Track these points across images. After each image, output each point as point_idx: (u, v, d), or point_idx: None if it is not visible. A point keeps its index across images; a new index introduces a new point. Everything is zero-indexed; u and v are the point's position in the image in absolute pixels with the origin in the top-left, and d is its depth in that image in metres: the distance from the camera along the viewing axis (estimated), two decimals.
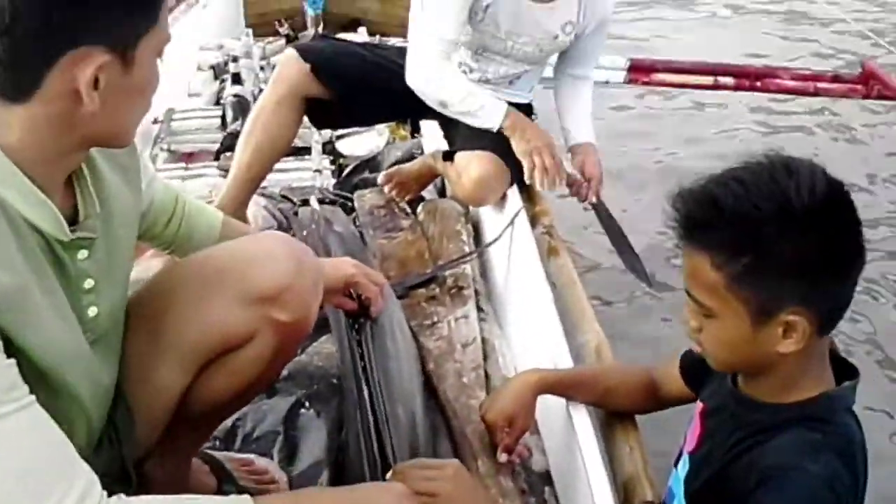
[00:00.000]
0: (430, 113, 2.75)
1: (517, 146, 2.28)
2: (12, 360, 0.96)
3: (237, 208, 2.36)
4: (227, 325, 1.29)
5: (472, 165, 2.37)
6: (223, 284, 1.29)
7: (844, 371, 1.16)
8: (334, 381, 1.81)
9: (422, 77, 2.35)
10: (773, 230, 1.03)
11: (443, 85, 2.34)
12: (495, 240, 2.32)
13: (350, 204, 2.74)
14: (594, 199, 2.45)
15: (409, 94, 2.49)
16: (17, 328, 0.97)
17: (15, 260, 0.98)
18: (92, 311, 1.14)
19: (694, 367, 1.36)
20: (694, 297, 1.12)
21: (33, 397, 0.97)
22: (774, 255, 1.04)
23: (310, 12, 4.07)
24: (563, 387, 1.56)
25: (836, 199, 1.05)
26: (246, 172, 2.45)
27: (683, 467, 1.29)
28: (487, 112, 2.30)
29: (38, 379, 1.01)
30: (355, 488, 1.26)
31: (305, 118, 2.56)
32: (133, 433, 1.28)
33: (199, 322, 1.28)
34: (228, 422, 1.67)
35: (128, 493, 1.06)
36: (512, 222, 2.28)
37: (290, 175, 3.01)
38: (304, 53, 2.47)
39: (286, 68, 2.46)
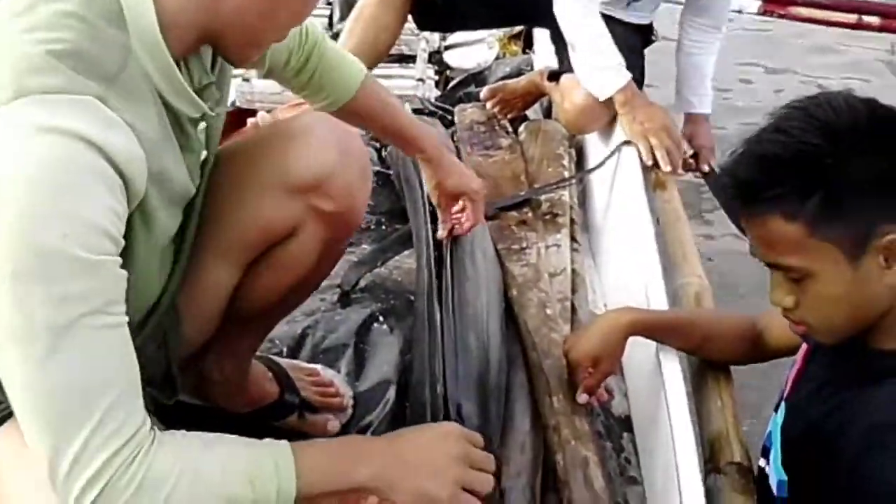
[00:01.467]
0: (542, 21, 2.58)
1: (629, 127, 2.10)
2: (125, 273, 0.89)
3: None
4: (268, 217, 1.21)
5: (578, 90, 2.23)
6: (263, 173, 1.21)
7: None
8: (412, 297, 1.73)
9: (566, 12, 2.18)
10: (830, 157, 0.98)
11: (581, 29, 2.16)
12: (597, 167, 2.18)
13: (450, 118, 2.63)
14: (706, 169, 2.32)
15: None
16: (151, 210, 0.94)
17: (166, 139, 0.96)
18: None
19: None
20: (781, 264, 1.04)
21: (125, 319, 0.90)
22: (842, 180, 0.98)
23: None
24: (657, 330, 1.43)
25: (876, 110, 1.01)
26: None
27: (781, 414, 1.20)
28: (606, 77, 2.13)
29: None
30: (403, 435, 1.14)
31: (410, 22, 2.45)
32: (178, 333, 1.22)
33: (240, 215, 1.21)
34: (298, 328, 1.62)
35: (172, 398, 0.99)
36: (618, 149, 2.12)
37: (392, 82, 2.88)
38: None
39: None
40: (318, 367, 1.55)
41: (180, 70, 0.98)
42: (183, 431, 0.95)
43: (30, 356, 0.83)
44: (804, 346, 1.22)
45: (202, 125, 1.05)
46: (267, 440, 0.99)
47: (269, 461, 0.96)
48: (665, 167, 2.03)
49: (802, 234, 0.99)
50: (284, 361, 1.52)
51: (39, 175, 0.80)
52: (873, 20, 3.64)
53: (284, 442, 0.99)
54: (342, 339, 1.62)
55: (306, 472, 0.96)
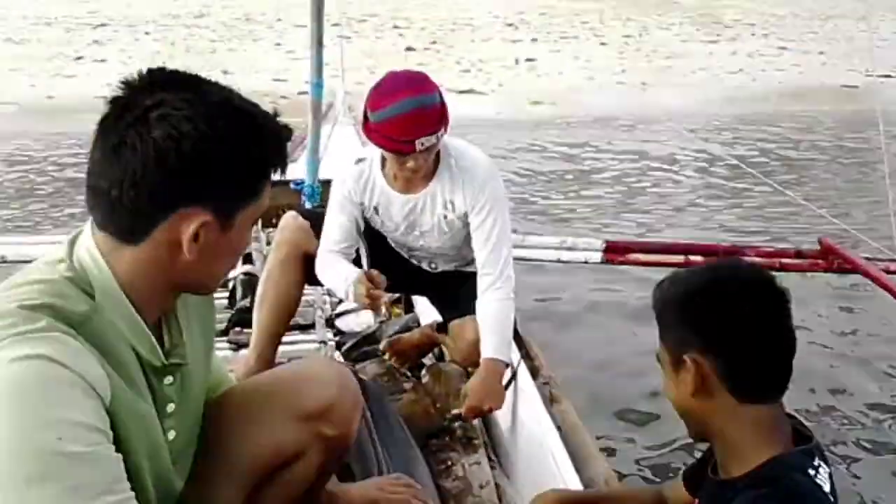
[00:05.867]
0: (420, 289, 2.99)
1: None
2: (120, 455, 1.10)
3: (264, 366, 2.53)
4: (280, 442, 1.44)
5: (465, 330, 2.60)
6: (274, 407, 1.44)
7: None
8: None
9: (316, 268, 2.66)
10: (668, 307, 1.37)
11: (322, 273, 2.65)
12: (508, 383, 2.46)
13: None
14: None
15: (403, 268, 2.73)
16: (125, 431, 1.12)
17: (135, 378, 1.16)
18: (171, 434, 1.29)
19: (692, 472, 1.54)
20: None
21: (132, 493, 1.10)
22: (679, 314, 1.35)
23: (307, 205, 4.37)
24: None
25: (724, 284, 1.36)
26: (266, 331, 2.65)
27: None
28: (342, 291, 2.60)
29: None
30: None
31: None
32: None
33: (253, 443, 1.43)
34: None
35: None
36: (514, 375, 2.45)
37: (297, 347, 3.17)
38: (303, 213, 2.78)
39: (286, 229, 2.74)
40: None
41: (160, 328, 1.23)
42: None
43: None
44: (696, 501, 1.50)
45: (169, 378, 1.27)
46: None
47: None
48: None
49: (659, 337, 1.36)
50: None
51: (22, 396, 1.02)
52: (697, 259, 4.23)
53: None
54: None
55: None
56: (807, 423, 1.42)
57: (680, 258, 4.27)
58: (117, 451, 1.10)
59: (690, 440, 1.45)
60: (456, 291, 2.73)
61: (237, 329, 3.26)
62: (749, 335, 1.30)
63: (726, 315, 1.31)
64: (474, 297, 2.56)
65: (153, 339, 1.21)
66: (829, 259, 4.12)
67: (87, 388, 1.06)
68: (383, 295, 2.44)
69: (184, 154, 1.11)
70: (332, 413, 1.45)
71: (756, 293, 1.32)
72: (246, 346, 2.98)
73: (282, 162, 1.23)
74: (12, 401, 1.01)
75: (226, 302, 3.56)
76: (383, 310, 2.61)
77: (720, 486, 1.36)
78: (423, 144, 2.34)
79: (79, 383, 1.05)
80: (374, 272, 2.47)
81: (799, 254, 4.27)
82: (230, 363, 2.98)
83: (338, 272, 2.62)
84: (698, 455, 1.53)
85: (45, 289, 1.12)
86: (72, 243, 1.19)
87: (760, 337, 1.31)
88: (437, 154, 2.51)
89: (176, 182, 1.12)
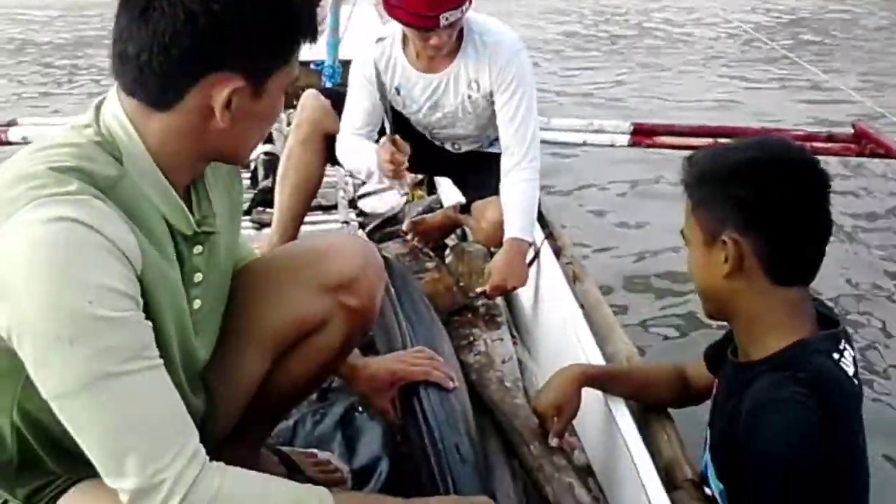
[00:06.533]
0: (443, 170, 2.95)
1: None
2: (150, 322, 1.09)
3: None
4: (304, 311, 1.43)
5: (488, 210, 2.57)
6: (299, 276, 1.43)
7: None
8: None
9: (338, 152, 2.62)
10: (707, 183, 1.32)
11: (344, 154, 2.62)
12: (531, 262, 2.46)
13: None
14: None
15: (426, 149, 2.68)
16: (154, 298, 1.12)
17: (165, 245, 1.15)
18: (196, 304, 1.28)
19: (713, 351, 1.53)
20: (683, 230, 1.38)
21: (161, 360, 1.09)
22: (718, 190, 1.30)
23: (328, 85, 4.30)
24: (603, 378, 1.69)
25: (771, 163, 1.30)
26: (288, 212, 2.64)
27: (707, 439, 1.45)
28: (364, 171, 2.58)
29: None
30: (423, 499, 1.39)
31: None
32: (215, 418, 1.39)
33: (279, 310, 1.42)
34: (290, 422, 1.80)
35: None
36: (537, 253, 2.43)
37: (320, 227, 3.18)
38: (324, 92, 2.72)
39: (307, 108, 2.68)
40: (314, 449, 1.73)
41: (189, 197, 1.21)
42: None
43: (87, 406, 1.02)
44: (716, 382, 1.49)
45: (198, 248, 1.25)
46: (309, 484, 1.19)
47: (314, 496, 1.17)
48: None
49: (689, 209, 1.34)
50: (285, 448, 1.69)
51: (55, 257, 1.00)
52: (727, 142, 4.14)
53: (323, 488, 1.19)
54: (329, 427, 1.81)
55: None
56: (833, 308, 1.40)
57: (708, 141, 4.19)
58: (147, 318, 1.10)
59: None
60: (479, 172, 2.70)
61: (260, 209, 3.26)
62: (794, 218, 1.27)
63: (773, 196, 1.27)
64: (498, 177, 2.53)
65: (184, 207, 1.19)
66: (863, 144, 4.01)
67: (118, 254, 1.04)
68: (405, 161, 2.38)
69: (214, 16, 1.06)
70: (357, 284, 1.44)
71: (803, 175, 1.28)
72: (269, 225, 2.97)
73: (312, 27, 1.18)
74: (44, 262, 1.00)
75: (248, 182, 3.55)
76: (408, 179, 2.54)
77: (740, 368, 1.35)
78: (447, 19, 2.26)
79: (110, 248, 1.03)
80: (397, 137, 2.41)
81: (831, 137, 4.15)
82: (254, 242, 2.98)
83: (360, 151, 2.59)
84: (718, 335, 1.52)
85: (74, 152, 1.09)
86: (98, 108, 1.16)
87: (804, 220, 1.28)
88: (461, 31, 2.43)
89: (206, 45, 1.08)
